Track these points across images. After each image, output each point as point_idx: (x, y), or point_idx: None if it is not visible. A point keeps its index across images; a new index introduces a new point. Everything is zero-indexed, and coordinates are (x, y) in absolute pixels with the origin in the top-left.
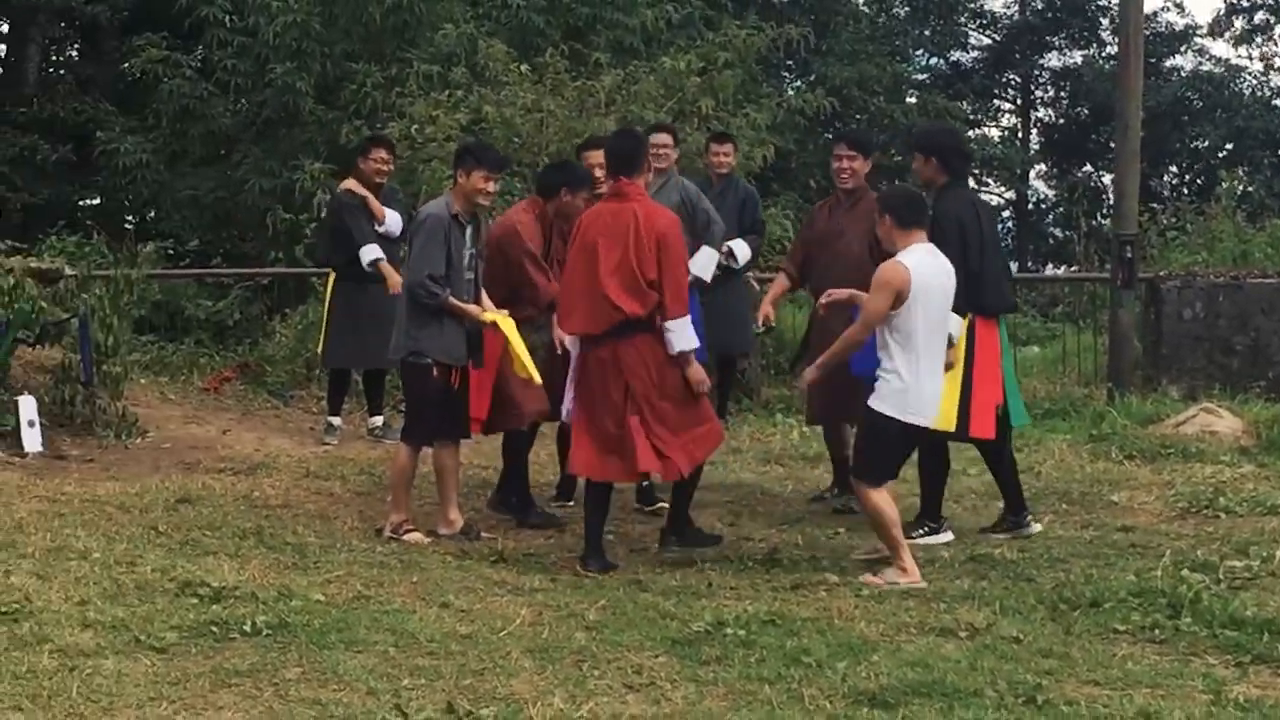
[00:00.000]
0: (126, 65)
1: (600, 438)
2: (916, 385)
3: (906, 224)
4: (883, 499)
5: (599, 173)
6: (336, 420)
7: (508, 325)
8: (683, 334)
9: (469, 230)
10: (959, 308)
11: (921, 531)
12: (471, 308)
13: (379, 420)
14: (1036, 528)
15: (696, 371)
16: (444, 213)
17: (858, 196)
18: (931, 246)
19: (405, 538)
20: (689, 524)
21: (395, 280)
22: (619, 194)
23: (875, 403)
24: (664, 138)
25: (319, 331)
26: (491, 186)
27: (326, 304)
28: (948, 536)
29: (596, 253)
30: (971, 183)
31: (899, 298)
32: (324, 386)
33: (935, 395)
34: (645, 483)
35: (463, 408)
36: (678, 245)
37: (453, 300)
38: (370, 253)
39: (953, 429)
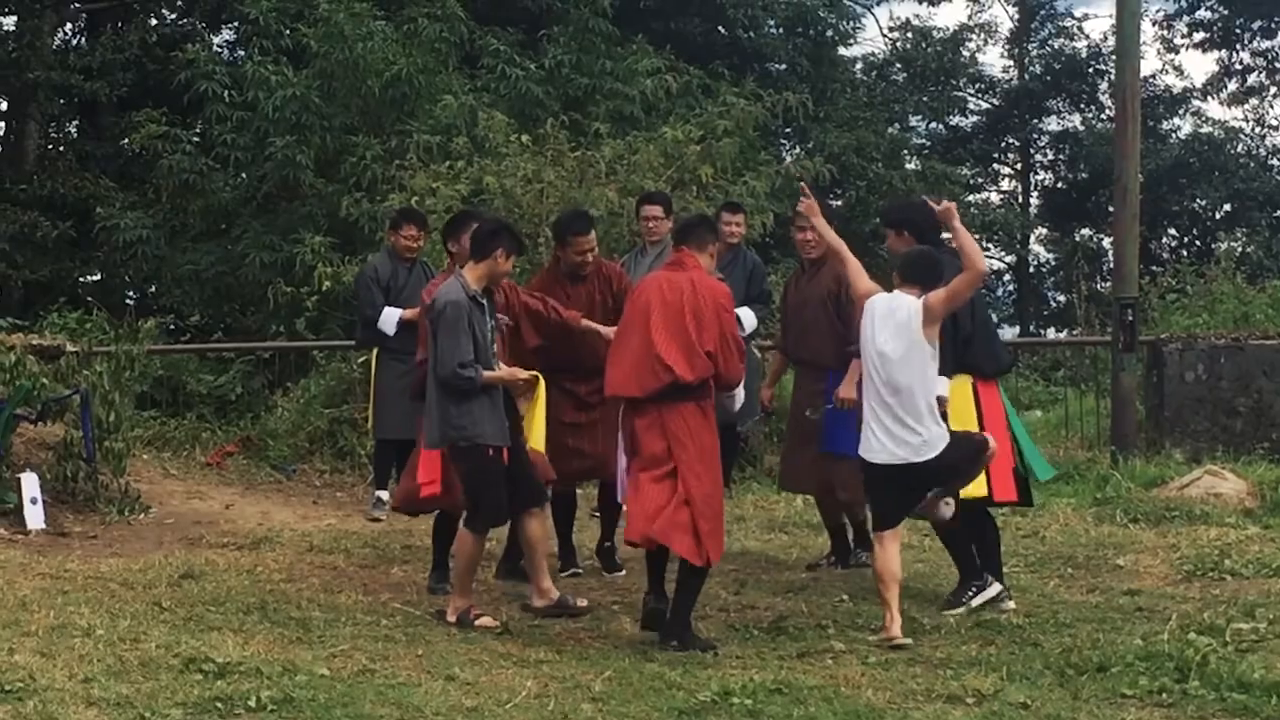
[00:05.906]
0: (126, 141)
1: (655, 503)
2: (865, 421)
3: (907, 278)
4: (885, 553)
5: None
6: (384, 494)
7: (540, 387)
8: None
9: (487, 305)
10: (949, 370)
11: (969, 594)
12: (504, 371)
13: None
14: (1011, 605)
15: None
16: (461, 297)
17: (820, 264)
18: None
19: (477, 624)
20: (688, 627)
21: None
22: (679, 263)
23: None
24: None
25: (321, 405)
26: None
27: (372, 379)
28: (1009, 604)
29: (649, 317)
30: None
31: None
32: (326, 460)
33: (872, 435)
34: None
35: (530, 474)
36: (733, 318)
37: (486, 374)
38: (389, 320)
39: (985, 494)
